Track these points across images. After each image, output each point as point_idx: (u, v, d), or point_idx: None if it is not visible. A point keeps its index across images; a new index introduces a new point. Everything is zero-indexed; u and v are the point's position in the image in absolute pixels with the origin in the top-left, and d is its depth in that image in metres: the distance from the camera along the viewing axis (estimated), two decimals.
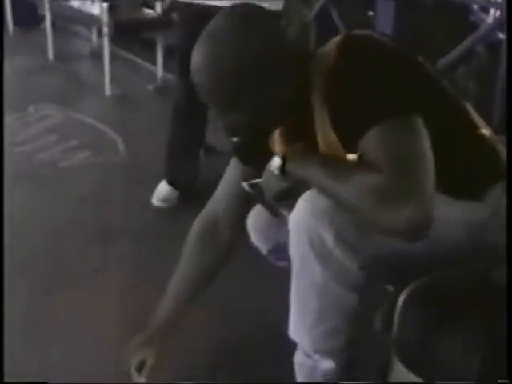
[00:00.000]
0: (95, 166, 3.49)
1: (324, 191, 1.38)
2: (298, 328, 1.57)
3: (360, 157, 1.34)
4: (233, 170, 1.83)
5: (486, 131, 1.55)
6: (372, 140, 1.31)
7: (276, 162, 1.46)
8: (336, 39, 1.47)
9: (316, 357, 1.58)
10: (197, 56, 1.43)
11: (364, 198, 1.27)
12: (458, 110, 1.55)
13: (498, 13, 3.76)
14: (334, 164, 1.39)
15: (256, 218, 1.86)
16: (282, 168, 1.45)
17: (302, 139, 1.52)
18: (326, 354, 1.56)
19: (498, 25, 3.63)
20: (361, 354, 1.61)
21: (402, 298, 1.34)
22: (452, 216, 1.44)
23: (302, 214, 1.43)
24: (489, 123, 1.58)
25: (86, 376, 1.94)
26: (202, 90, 1.44)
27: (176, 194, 3.10)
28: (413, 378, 1.33)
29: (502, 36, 3.53)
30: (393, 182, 1.25)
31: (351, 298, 1.48)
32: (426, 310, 1.33)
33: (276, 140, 1.62)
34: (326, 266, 1.43)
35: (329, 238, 1.40)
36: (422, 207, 1.25)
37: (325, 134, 1.47)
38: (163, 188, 3.11)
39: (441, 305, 1.34)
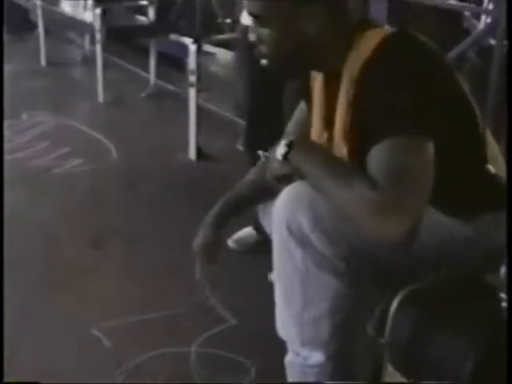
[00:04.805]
0: (88, 172, 3.48)
1: (317, 189, 1.39)
2: (284, 318, 1.57)
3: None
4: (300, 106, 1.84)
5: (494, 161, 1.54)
6: (378, 153, 1.32)
7: (281, 148, 1.47)
8: (380, 34, 1.46)
9: (304, 352, 1.57)
10: None
11: (356, 208, 1.29)
12: (474, 141, 1.52)
13: (489, 19, 3.79)
14: (332, 166, 1.40)
15: None
16: (285, 155, 1.46)
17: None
18: (314, 343, 1.56)
19: (489, 30, 3.66)
20: (350, 345, 1.60)
21: (395, 302, 1.34)
22: (437, 230, 1.45)
23: (284, 199, 1.45)
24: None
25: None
26: None
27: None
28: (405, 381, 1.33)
29: (492, 42, 3.54)
30: (386, 198, 1.26)
31: (335, 283, 1.48)
32: (420, 314, 1.33)
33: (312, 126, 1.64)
34: (305, 251, 1.45)
35: (306, 224, 1.42)
36: (411, 224, 1.27)
37: (341, 120, 1.49)
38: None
39: (434, 309, 1.34)
